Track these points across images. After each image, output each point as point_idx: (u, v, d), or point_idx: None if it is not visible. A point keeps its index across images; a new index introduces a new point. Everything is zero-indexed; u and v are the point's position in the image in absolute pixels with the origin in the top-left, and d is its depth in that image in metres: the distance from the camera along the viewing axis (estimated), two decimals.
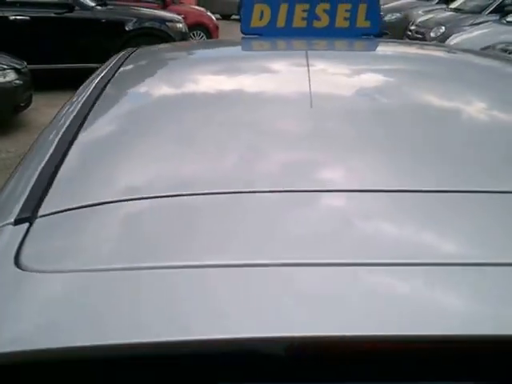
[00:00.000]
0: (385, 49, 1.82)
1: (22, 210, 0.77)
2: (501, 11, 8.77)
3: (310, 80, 1.19)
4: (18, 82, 5.49)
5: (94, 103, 1.12)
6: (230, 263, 0.65)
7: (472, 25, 8.76)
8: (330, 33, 1.75)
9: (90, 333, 0.56)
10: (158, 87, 1.32)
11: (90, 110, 1.09)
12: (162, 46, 2.08)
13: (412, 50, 1.84)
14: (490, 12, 9.33)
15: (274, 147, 0.95)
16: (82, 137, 0.99)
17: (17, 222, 0.75)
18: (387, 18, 11.51)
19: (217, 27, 10.49)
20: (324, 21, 1.76)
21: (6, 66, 5.45)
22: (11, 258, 0.66)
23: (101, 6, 7.66)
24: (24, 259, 0.66)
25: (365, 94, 1.20)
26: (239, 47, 1.82)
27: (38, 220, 0.75)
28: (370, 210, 0.76)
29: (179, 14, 8.80)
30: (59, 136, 0.99)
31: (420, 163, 0.88)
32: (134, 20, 7.69)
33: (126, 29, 7.58)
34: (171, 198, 0.79)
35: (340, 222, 0.74)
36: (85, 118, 1.05)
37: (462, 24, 9.04)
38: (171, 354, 0.55)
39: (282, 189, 0.80)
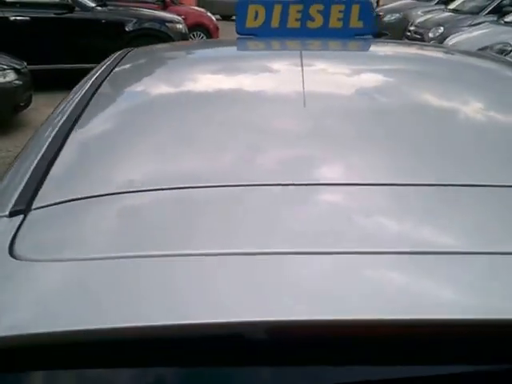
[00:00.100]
0: (378, 49, 1.84)
1: (16, 203, 0.79)
2: (499, 12, 8.81)
3: (303, 79, 1.21)
4: (17, 82, 5.50)
5: (89, 101, 1.14)
6: (228, 251, 0.66)
7: (470, 25, 8.79)
8: (324, 33, 1.76)
9: (87, 319, 0.57)
10: (152, 86, 1.35)
11: (84, 108, 1.11)
12: (157, 46, 2.10)
13: (404, 50, 1.86)
14: (488, 13, 9.34)
15: (267, 144, 0.96)
16: (77, 133, 1.01)
17: (11, 214, 0.76)
18: (387, 18, 11.53)
19: (217, 28, 10.47)
20: (318, 21, 1.77)
21: (5, 67, 5.46)
22: (6, 248, 0.68)
23: (101, 6, 7.66)
24: (19, 249, 0.67)
25: (357, 93, 1.22)
26: (234, 47, 1.83)
27: (32, 212, 0.77)
28: (367, 203, 0.77)
29: (179, 15, 8.79)
30: (54, 132, 1.01)
31: (415, 158, 0.90)
32: (134, 21, 7.70)
33: (126, 29, 7.58)
34: (165, 191, 0.80)
35: (336, 214, 0.76)
36: (79, 116, 1.07)
37: (460, 24, 9.07)
38: (166, 337, 0.56)
39: (278, 182, 0.81)
